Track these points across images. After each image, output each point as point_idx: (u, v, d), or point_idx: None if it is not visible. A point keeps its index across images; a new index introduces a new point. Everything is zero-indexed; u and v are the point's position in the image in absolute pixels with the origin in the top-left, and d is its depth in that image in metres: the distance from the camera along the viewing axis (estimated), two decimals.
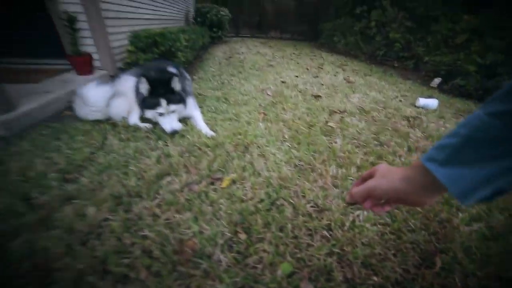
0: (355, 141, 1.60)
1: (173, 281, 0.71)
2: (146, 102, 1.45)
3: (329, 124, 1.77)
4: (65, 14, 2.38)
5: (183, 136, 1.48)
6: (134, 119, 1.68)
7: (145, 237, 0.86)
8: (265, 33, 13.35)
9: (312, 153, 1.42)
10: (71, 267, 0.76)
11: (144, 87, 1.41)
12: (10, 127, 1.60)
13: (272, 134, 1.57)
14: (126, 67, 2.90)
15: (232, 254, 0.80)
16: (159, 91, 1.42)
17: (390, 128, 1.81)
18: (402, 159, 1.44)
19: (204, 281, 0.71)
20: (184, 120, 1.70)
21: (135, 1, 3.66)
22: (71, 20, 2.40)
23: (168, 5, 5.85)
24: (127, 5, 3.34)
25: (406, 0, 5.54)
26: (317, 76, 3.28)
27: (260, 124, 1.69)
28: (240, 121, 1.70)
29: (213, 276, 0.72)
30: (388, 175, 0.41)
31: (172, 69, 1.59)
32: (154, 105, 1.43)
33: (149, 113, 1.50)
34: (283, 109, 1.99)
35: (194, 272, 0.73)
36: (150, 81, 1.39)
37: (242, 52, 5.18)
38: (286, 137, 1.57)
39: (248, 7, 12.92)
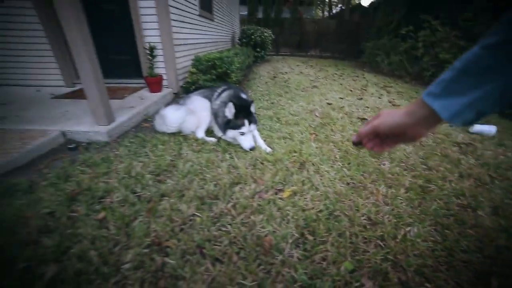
0: (403, 164, 1.68)
1: (257, 266, 0.92)
2: (231, 124, 1.73)
3: None
4: (149, 44, 2.92)
5: (246, 150, 1.74)
6: (201, 133, 2.00)
7: (228, 231, 1.09)
8: (305, 51, 13.68)
9: (362, 173, 1.55)
10: (177, 247, 1.02)
11: (231, 111, 1.71)
12: (111, 134, 2.05)
13: (324, 154, 1.75)
14: (187, 86, 3.36)
15: (300, 251, 0.98)
16: (242, 114, 1.70)
17: (439, 154, 1.84)
18: (453, 185, 1.49)
19: (281, 269, 0.90)
20: None
21: (196, 30, 4.23)
22: (152, 49, 2.93)
23: (220, 30, 6.50)
24: (190, 33, 3.89)
25: (460, 19, 5.34)
26: (361, 98, 3.37)
27: (312, 144, 1.88)
28: (294, 140, 1.91)
29: (288, 266, 0.91)
30: (392, 113, 0.48)
31: (243, 95, 1.89)
32: (239, 126, 1.70)
33: (231, 133, 1.77)
34: (332, 130, 2.16)
35: (273, 261, 0.93)
36: (236, 106, 1.69)
37: (286, 72, 5.50)
38: (337, 157, 1.73)
39: (288, 27, 13.48)
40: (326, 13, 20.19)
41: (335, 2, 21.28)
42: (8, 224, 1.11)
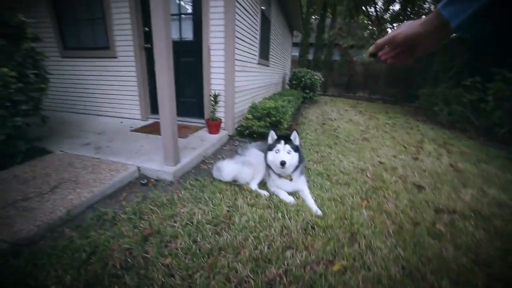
0: (472, 254, 1.52)
1: None
2: (270, 146, 2.02)
3: (437, 226, 1.75)
4: (214, 92, 3.36)
5: (298, 211, 1.81)
6: (254, 185, 2.15)
7: None
8: (353, 92, 13.67)
9: (420, 257, 1.46)
10: None
11: (273, 137, 2.03)
12: (176, 175, 2.33)
13: (376, 225, 1.71)
14: (241, 129, 3.66)
15: None
16: (281, 138, 1.99)
17: None
18: None
19: None
20: (295, 194, 2.05)
21: (253, 76, 4.69)
22: (216, 97, 3.34)
23: (273, 73, 7.03)
24: (249, 80, 4.33)
25: None
26: (417, 158, 3.19)
27: (364, 212, 1.85)
28: (345, 205, 1.92)
29: None
30: (410, 23, 0.51)
31: None
32: (275, 144, 1.97)
33: (270, 155, 2.00)
34: (384, 197, 2.09)
35: None
36: (277, 133, 2.04)
37: (334, 119, 5.55)
38: (390, 231, 1.67)
39: (338, 69, 13.78)
40: None
41: None
42: (100, 255, 1.36)
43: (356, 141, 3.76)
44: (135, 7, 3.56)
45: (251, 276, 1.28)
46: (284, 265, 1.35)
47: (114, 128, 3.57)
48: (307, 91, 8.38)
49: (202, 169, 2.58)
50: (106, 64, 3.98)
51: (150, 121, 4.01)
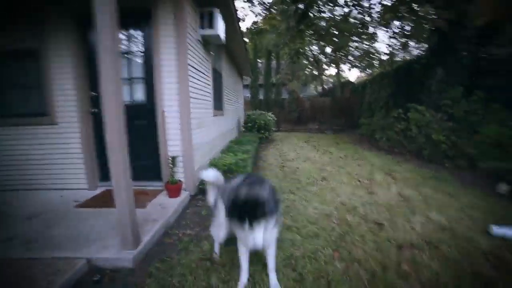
0: None
1: None
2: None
3: (402, 266, 1.87)
4: (171, 155, 3.28)
5: None
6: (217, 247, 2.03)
7: None
8: (304, 125, 14.84)
9: None
10: None
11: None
12: (136, 260, 2.06)
13: (351, 278, 1.74)
14: (203, 186, 3.54)
15: None
16: None
17: (470, 272, 1.80)
18: None
19: None
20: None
21: (210, 129, 4.76)
22: (174, 159, 3.26)
23: (228, 120, 7.24)
24: (206, 135, 4.36)
25: (442, 104, 5.95)
26: (372, 192, 3.49)
27: (337, 264, 1.88)
28: (318, 261, 1.93)
29: None
30: None
31: None
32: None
33: None
34: (353, 243, 2.18)
35: None
36: None
37: (292, 159, 5.83)
38: (365, 281, 1.71)
39: (288, 106, 15.02)
40: (320, 88, 22.66)
41: (326, 78, 24.22)
42: None
43: (316, 183, 3.95)
44: (82, 73, 3.44)
45: None
46: None
47: (52, 206, 3.03)
48: (262, 131, 8.82)
49: (167, 244, 2.34)
50: (43, 132, 3.57)
51: (100, 190, 3.61)
